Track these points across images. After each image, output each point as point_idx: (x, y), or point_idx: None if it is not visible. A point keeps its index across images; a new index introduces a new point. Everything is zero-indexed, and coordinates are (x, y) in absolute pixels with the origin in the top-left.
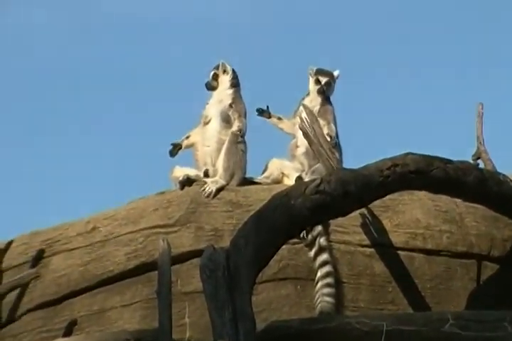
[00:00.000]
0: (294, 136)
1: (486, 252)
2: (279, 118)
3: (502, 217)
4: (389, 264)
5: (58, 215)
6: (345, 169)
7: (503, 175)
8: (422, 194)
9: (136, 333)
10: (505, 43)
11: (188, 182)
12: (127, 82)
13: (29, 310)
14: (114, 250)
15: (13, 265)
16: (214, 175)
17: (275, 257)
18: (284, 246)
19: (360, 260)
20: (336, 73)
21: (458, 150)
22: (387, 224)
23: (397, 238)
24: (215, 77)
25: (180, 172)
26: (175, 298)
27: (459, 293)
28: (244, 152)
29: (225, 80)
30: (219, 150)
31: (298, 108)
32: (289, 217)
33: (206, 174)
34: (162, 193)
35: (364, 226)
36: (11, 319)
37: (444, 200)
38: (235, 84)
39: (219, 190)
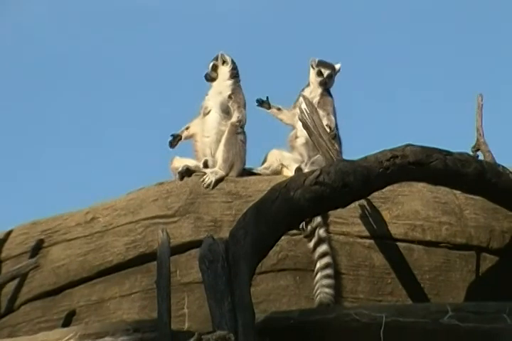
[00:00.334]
0: (293, 127)
1: (485, 244)
2: (279, 109)
3: (501, 208)
4: (388, 256)
5: (58, 205)
6: (344, 160)
7: (503, 166)
8: (421, 185)
9: (135, 323)
10: (506, 34)
11: (187, 172)
12: (127, 73)
13: (28, 300)
14: (113, 240)
15: (13, 255)
16: (213, 166)
17: (274, 248)
18: (283, 237)
19: (359, 251)
20: (337, 66)
21: (457, 142)
22: (386, 215)
23: (396, 229)
24: (215, 68)
25: (180, 162)
26: (174, 289)
27: (458, 284)
28: (244, 143)
29: (224, 71)
30: (218, 141)
31: (298, 99)
32: (289, 208)
33: (206, 165)
34: (161, 184)
35: (363, 217)
36: (10, 309)
37: (443, 192)
38: (235, 74)
39: (218, 180)
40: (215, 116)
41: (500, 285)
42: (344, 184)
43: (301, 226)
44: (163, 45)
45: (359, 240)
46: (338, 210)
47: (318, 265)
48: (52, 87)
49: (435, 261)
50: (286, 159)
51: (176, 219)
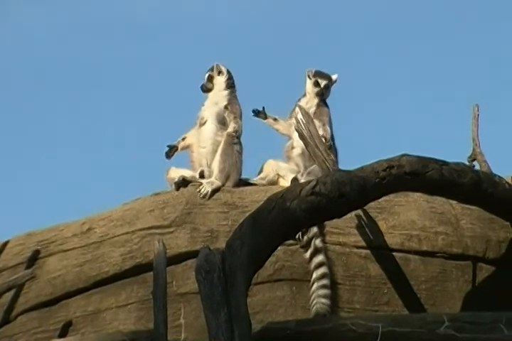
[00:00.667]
0: (289, 137)
1: (481, 254)
2: (275, 119)
3: (497, 218)
4: (384, 266)
5: (54, 216)
6: (340, 170)
7: (499, 176)
8: (418, 195)
9: (132, 334)
10: (502, 43)
11: (183, 183)
12: (124, 83)
13: (24, 311)
14: (109, 251)
15: (9, 266)
16: (209, 176)
17: (271, 258)
18: (279, 248)
19: (355, 261)
20: (334, 77)
21: (453, 152)
22: (382, 225)
23: (392, 239)
24: (210, 78)
25: (176, 173)
26: (170, 299)
27: (455, 294)
28: (240, 153)
29: (220, 81)
30: (214, 152)
31: (294, 109)
32: (285, 218)
33: (202, 175)
34: (158, 194)
35: (359, 227)
36: (7, 320)
37: (440, 202)
38: (230, 85)
39: (214, 191)
40: (211, 126)
41: (497, 295)
42: (340, 194)
43: (297, 237)
44: (160, 55)
45: (355, 250)
46: (335, 220)
47: (314, 275)
48: (48, 93)
49: (431, 271)
50: (282, 169)
51: (172, 229)
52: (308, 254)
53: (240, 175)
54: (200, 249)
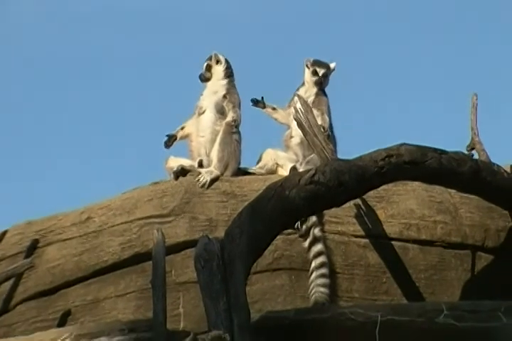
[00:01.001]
0: (288, 127)
1: (480, 243)
2: (274, 109)
3: (496, 207)
4: (383, 255)
5: (53, 205)
6: (339, 159)
7: (497, 165)
8: (416, 184)
9: (131, 323)
10: (501, 33)
11: (182, 172)
12: (123, 73)
13: (23, 300)
14: (108, 240)
15: (8, 255)
16: (208, 166)
17: (269, 247)
18: (278, 237)
19: (354, 250)
20: (332, 65)
21: (452, 141)
22: (381, 214)
23: (391, 228)
24: (209, 68)
25: (175, 162)
26: (169, 288)
27: (453, 283)
28: (239, 142)
29: (218, 71)
30: (213, 141)
31: (292, 98)
32: (284, 207)
33: (200, 164)
34: (156, 183)
35: (358, 216)
36: (5, 309)
37: (438, 191)
38: (229, 74)
39: (213, 180)
40: (209, 115)
41: (496, 284)
42: (339, 183)
43: (296, 226)
44: (159, 46)
45: (354, 239)
46: (333, 209)
47: (313, 264)
48: (46, 84)
49: (430, 260)
50: (281, 158)
51: (171, 218)
52: (307, 243)
53: (239, 164)
54: (199, 238)
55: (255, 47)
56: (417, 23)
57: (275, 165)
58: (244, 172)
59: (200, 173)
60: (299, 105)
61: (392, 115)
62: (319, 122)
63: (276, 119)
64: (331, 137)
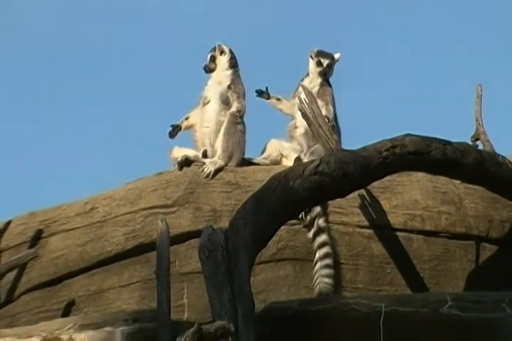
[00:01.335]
0: (292, 117)
1: (484, 233)
2: (278, 99)
3: (500, 198)
4: (387, 245)
5: (57, 196)
6: (344, 150)
7: (502, 156)
8: (421, 175)
9: (135, 313)
10: (505, 23)
11: (186, 162)
12: (127, 63)
13: (27, 291)
14: (112, 230)
15: (11, 245)
16: (213, 156)
17: (274, 238)
18: (282, 227)
19: (358, 241)
20: (336, 56)
21: (456, 132)
22: (385, 205)
23: (395, 219)
24: (213, 59)
25: (179, 152)
26: (173, 279)
27: (458, 274)
28: (243, 133)
29: (223, 61)
30: (218, 131)
31: (297, 89)
32: (288, 198)
33: (205, 155)
34: (161, 174)
35: (363, 207)
36: (9, 299)
37: (443, 181)
38: (233, 64)
39: (218, 170)
40: (214, 106)
41: (500, 275)
42: (343, 174)
43: (300, 216)
44: (163, 37)
45: (358, 230)
46: (338, 200)
47: (317, 255)
48: (52, 75)
49: (434, 250)
50: (285, 149)
51: (175, 209)
52: (311, 234)
53: (243, 154)
54: (203, 228)
55: (259, 38)
56: (421, 12)
57: (279, 156)
58: (249, 162)
59: (204, 164)
60: (303, 95)
61: (396, 105)
62: (324, 113)
63: (280, 110)
64: (335, 127)
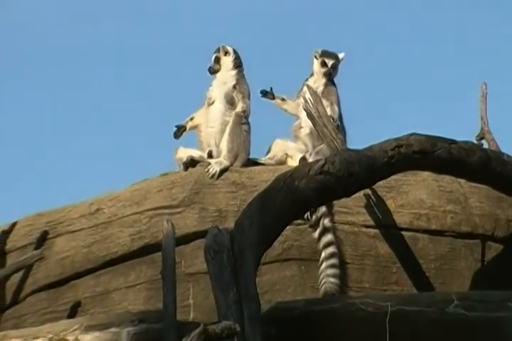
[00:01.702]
0: (297, 117)
1: (490, 232)
2: (283, 100)
3: (506, 197)
4: (393, 245)
5: (62, 197)
6: (349, 150)
7: (507, 155)
8: (426, 174)
9: (141, 314)
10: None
11: (192, 163)
12: (133, 63)
13: (33, 292)
14: (118, 231)
15: (17, 246)
16: (218, 156)
17: (279, 238)
18: (288, 227)
19: (364, 241)
20: (341, 55)
21: (462, 131)
22: (391, 204)
23: (401, 218)
24: (217, 60)
25: (184, 153)
26: (179, 279)
27: (464, 273)
28: (248, 133)
29: (227, 62)
30: (223, 132)
31: (302, 89)
32: (293, 198)
33: (210, 155)
34: (166, 174)
35: (368, 207)
36: (15, 300)
37: (448, 180)
38: (238, 64)
39: (223, 170)
40: (219, 106)
41: (506, 274)
42: (349, 173)
43: (306, 216)
44: (167, 35)
45: (364, 229)
46: (343, 200)
47: (323, 255)
48: (58, 73)
49: (440, 250)
50: (290, 149)
51: (180, 209)
52: (316, 234)
53: (248, 154)
54: (209, 228)
55: (263, 38)
56: (426, 11)
57: (285, 156)
58: (254, 162)
59: (209, 164)
60: (308, 95)
61: (401, 104)
62: (329, 112)
63: (285, 110)
64: (340, 127)
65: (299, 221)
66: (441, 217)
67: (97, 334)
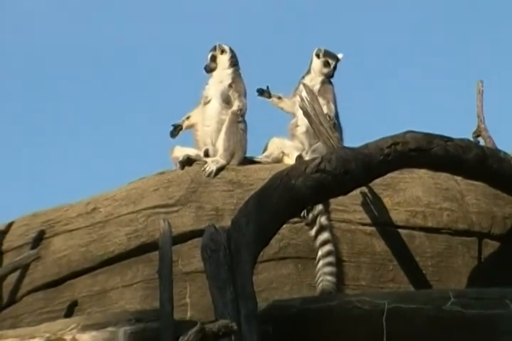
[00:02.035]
0: (294, 115)
1: (486, 230)
2: (279, 98)
3: (502, 194)
4: (390, 242)
5: (59, 196)
6: (345, 148)
7: (504, 152)
8: (423, 172)
9: (138, 313)
10: (506, 19)
11: (188, 162)
12: (129, 62)
13: (30, 291)
14: (114, 230)
15: (14, 246)
16: (214, 155)
17: (276, 236)
18: (284, 226)
19: (360, 238)
20: (339, 56)
21: (458, 128)
22: (387, 202)
23: (397, 216)
24: (213, 58)
25: (181, 152)
26: (176, 278)
27: (460, 270)
28: (245, 131)
29: (223, 60)
30: (219, 130)
31: (298, 87)
32: (290, 196)
33: (206, 154)
34: (162, 173)
35: (364, 204)
36: (12, 300)
37: (444, 178)
38: (234, 63)
39: (219, 169)
40: (215, 105)
41: (503, 271)
42: (345, 171)
43: (302, 214)
44: (164, 35)
45: (360, 227)
46: (340, 198)
47: (319, 253)
48: (51, 74)
49: (437, 247)
50: (287, 147)
51: (177, 208)
52: (313, 232)
53: (245, 153)
54: (206, 227)
55: (259, 37)
56: (423, 9)
57: (281, 154)
58: (251, 161)
59: (206, 163)
60: (304, 94)
61: (397, 102)
62: (325, 111)
63: (282, 108)
64: (336, 125)
65: (296, 219)
66: (437, 214)
67: (94, 333)
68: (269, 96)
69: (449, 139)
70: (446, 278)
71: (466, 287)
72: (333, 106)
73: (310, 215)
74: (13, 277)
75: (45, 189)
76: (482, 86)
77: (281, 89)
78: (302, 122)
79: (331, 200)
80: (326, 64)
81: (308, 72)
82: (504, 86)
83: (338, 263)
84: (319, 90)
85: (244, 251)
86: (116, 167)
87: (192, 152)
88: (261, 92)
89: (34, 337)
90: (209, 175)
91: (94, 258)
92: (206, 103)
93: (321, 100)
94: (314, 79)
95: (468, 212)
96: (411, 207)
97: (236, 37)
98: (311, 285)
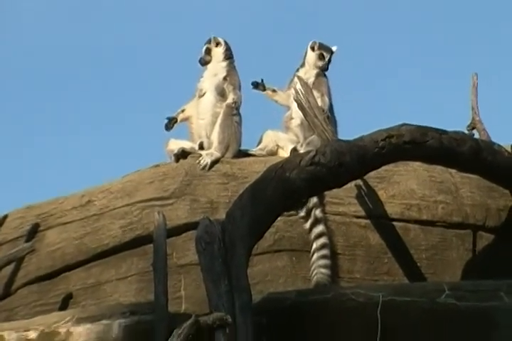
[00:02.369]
0: (288, 108)
1: (481, 222)
2: (274, 91)
3: (497, 186)
4: (384, 235)
5: (53, 189)
6: (340, 140)
7: (498, 145)
8: (417, 165)
9: (132, 306)
10: (501, 12)
11: (183, 154)
12: (123, 56)
13: (25, 284)
14: (109, 223)
15: (8, 239)
16: (209, 148)
17: (270, 229)
18: (279, 218)
19: (355, 231)
20: (334, 49)
21: (452, 121)
22: (382, 195)
23: (392, 209)
24: (208, 51)
25: (175, 145)
26: (170, 271)
27: (455, 263)
28: (239, 124)
29: (218, 53)
30: (214, 123)
31: (292, 80)
32: (284, 188)
33: (201, 146)
34: (157, 166)
35: (359, 197)
36: (7, 293)
37: (439, 171)
38: (229, 55)
39: (214, 162)
40: (210, 98)
41: (497, 264)
42: (340, 164)
43: (297, 207)
44: (159, 29)
45: (355, 220)
46: (334, 190)
47: (314, 245)
48: (46, 71)
49: (431, 240)
50: (281, 140)
51: (172, 201)
52: (308, 224)
53: (240, 146)
54: (200, 220)
55: (254, 30)
56: (423, 10)
57: (276, 147)
58: (245, 154)
59: (200, 155)
60: (299, 86)
61: (392, 95)
62: (319, 103)
63: (276, 101)
64: (330, 118)
65: (291, 212)
66: (432, 207)
67: (88, 326)
68: (264, 89)
69: (443, 132)
70: (441, 270)
71: (460, 279)
72: (327, 99)
73: (305, 208)
74: (7, 270)
75: (40, 181)
76: (477, 79)
77: (276, 82)
78: (297, 115)
79: (326, 193)
80: (321, 57)
81: (303, 64)
82: (499, 78)
83: (333, 255)
84: (314, 83)
85: (238, 244)
86: (111, 159)
87: (187, 145)
88: (255, 85)
89: (29, 330)
90: (204, 167)
91: (89, 251)
92: (201, 96)
93: (315, 93)
94: (309, 72)
95: (463, 204)
96: (406, 199)
97: (231, 30)
98: (305, 277)
